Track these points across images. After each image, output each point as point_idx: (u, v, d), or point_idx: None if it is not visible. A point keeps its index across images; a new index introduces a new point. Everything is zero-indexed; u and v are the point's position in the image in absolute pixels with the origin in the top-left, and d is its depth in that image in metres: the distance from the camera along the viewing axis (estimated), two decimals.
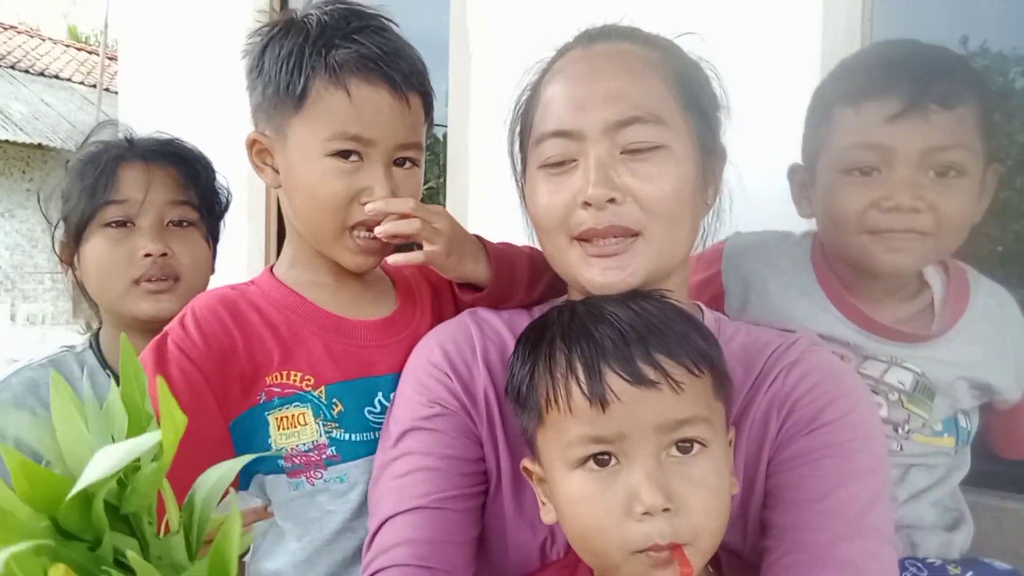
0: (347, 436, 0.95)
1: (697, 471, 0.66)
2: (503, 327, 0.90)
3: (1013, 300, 1.12)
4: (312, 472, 0.94)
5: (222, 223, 1.31)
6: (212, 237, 1.27)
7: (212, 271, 1.27)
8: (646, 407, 0.65)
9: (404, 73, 0.92)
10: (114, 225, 1.16)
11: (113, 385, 0.41)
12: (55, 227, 1.21)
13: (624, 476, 0.66)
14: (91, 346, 1.22)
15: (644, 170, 0.79)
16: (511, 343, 0.87)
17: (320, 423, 0.94)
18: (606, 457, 0.67)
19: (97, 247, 1.16)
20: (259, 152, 0.98)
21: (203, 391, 0.87)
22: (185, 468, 0.89)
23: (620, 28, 0.87)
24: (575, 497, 0.69)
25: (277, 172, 0.97)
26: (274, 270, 1.03)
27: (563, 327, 0.72)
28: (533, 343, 0.74)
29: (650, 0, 1.27)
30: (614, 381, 0.66)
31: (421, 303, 1.07)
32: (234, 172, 1.28)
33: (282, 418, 0.93)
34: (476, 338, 0.88)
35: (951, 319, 1.06)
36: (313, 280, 1.00)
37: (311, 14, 0.93)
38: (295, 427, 0.93)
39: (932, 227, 0.96)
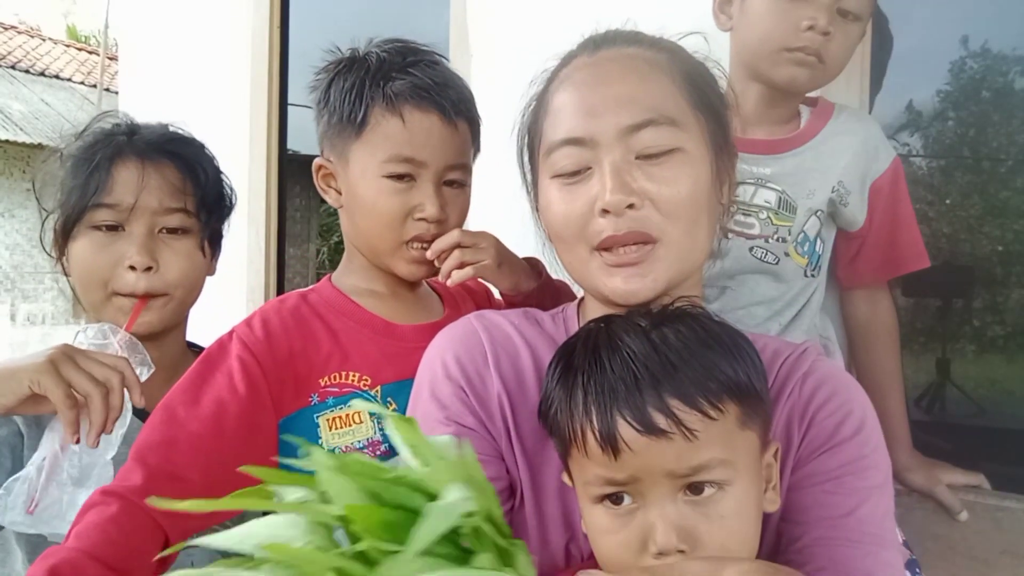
0: None
1: (714, 510, 0.66)
2: (512, 331, 0.88)
3: (876, 124, 1.31)
4: None
5: (226, 225, 1.24)
6: (212, 241, 1.20)
7: (204, 282, 1.20)
8: (657, 454, 0.65)
9: (453, 101, 1.02)
10: (104, 228, 1.10)
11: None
12: (46, 218, 1.14)
13: (640, 515, 0.67)
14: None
15: (660, 174, 0.77)
16: (522, 348, 0.87)
17: (375, 420, 1.01)
18: (622, 497, 0.68)
19: (84, 249, 1.10)
20: (324, 176, 1.08)
21: (260, 384, 0.94)
22: (232, 455, 0.91)
23: (624, 33, 0.86)
24: (597, 529, 0.70)
25: (340, 194, 1.07)
26: (332, 279, 1.12)
27: (584, 357, 0.71)
28: (561, 372, 0.73)
29: (652, 1, 1.27)
30: (625, 430, 0.65)
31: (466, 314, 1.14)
32: (234, 174, 1.26)
33: (335, 418, 0.99)
34: (487, 344, 0.86)
35: (813, 127, 1.27)
36: (369, 289, 1.09)
37: (371, 52, 1.04)
38: (350, 425, 1.00)
39: (827, 56, 1.18)
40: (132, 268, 1.09)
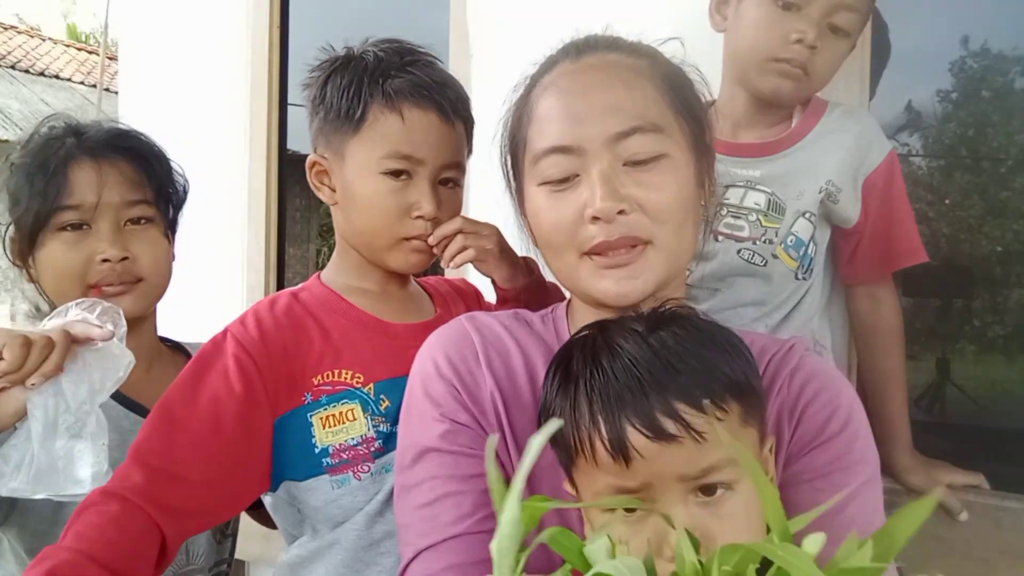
0: (394, 429, 1.00)
1: (725, 510, 0.67)
2: (503, 332, 0.89)
3: (872, 119, 1.29)
4: (360, 466, 1.00)
5: (180, 214, 1.26)
6: (171, 230, 1.23)
7: (172, 268, 1.22)
8: (668, 459, 0.65)
9: (451, 100, 1.03)
10: (69, 228, 1.11)
11: None
12: (6, 230, 1.16)
13: (653, 520, 0.67)
14: None
15: (648, 180, 0.78)
16: (513, 348, 0.87)
17: (368, 418, 1.00)
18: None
19: (53, 252, 1.12)
20: (318, 173, 1.08)
21: (255, 383, 0.95)
22: (231, 454, 0.92)
23: (605, 38, 0.86)
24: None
25: (334, 191, 1.07)
26: (322, 277, 1.12)
27: (584, 366, 0.71)
28: (561, 381, 0.73)
29: (640, 2, 1.27)
30: (635, 437, 0.65)
31: (457, 315, 1.14)
32: (234, 174, 1.27)
33: (328, 416, 0.99)
34: (478, 344, 0.87)
35: (804, 127, 1.26)
36: (360, 287, 1.09)
37: (368, 50, 1.04)
38: (343, 423, 1.00)
39: (813, 69, 1.19)
40: (106, 261, 1.10)
